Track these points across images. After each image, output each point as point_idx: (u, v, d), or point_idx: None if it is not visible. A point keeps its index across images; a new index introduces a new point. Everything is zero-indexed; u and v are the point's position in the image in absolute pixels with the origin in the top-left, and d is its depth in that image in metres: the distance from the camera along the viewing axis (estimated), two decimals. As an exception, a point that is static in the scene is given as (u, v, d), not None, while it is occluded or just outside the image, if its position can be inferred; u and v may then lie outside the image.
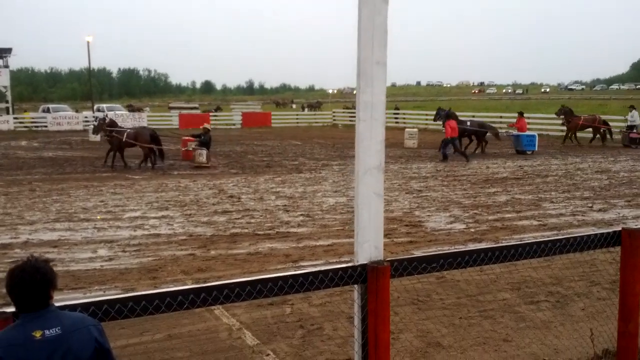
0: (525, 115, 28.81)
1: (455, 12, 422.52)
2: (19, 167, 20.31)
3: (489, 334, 6.07)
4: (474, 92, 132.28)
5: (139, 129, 21.46)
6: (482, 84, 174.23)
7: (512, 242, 5.64)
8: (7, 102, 45.64)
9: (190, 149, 21.02)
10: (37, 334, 2.61)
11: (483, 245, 8.74)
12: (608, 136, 28.09)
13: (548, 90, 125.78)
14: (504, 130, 27.54)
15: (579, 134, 28.54)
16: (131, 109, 55.77)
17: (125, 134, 20.54)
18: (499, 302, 6.98)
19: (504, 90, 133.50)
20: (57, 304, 2.87)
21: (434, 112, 31.81)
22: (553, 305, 6.90)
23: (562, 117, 29.44)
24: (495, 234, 10.48)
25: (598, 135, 28.17)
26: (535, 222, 11.39)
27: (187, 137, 23.20)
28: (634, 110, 28.49)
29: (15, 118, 43.27)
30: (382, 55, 3.55)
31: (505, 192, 14.93)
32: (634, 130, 27.40)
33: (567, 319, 6.44)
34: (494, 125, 28.95)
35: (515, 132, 25.67)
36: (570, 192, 14.91)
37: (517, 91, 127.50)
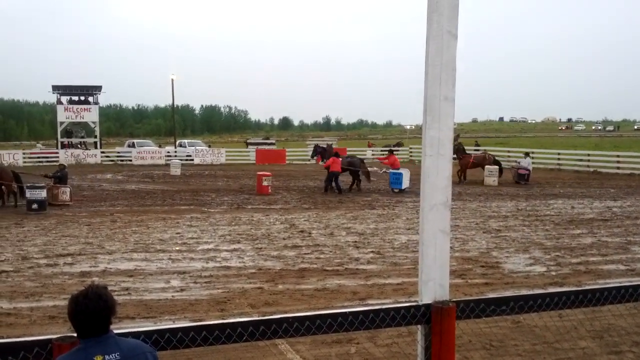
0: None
1: (541, 46, 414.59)
2: (103, 199, 21.18)
3: (567, 385, 5.70)
4: (561, 129, 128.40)
5: (2, 167, 20.60)
6: (569, 120, 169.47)
7: (595, 286, 5.31)
8: (95, 136, 47.96)
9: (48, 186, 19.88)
10: (98, 359, 2.67)
11: (561, 289, 8.31)
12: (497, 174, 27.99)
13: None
14: (384, 170, 26.33)
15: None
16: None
17: None
18: (578, 350, 6.56)
19: (593, 127, 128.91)
20: (125, 331, 2.95)
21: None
22: (638, 357, 6.41)
23: (455, 154, 29.05)
24: (578, 278, 9.97)
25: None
26: (622, 267, 10.78)
27: (261, 173, 23.57)
28: (528, 158, 29.00)
29: (102, 152, 45.39)
30: (450, 91, 3.50)
31: (591, 234, 14.23)
32: (522, 167, 27.87)
33: (654, 373, 5.97)
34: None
35: (390, 170, 24.56)
36: (663, 235, 14.05)
37: (607, 128, 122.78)
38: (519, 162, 28.62)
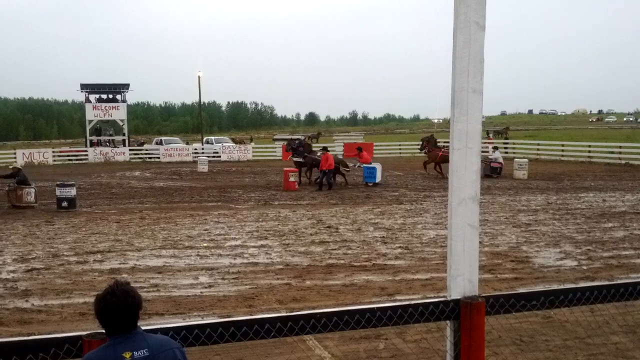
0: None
1: (571, 37, 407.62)
2: (132, 196, 21.43)
3: (599, 381, 5.59)
4: (592, 121, 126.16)
5: None
6: (600, 112, 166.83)
7: (627, 280, 5.20)
8: (124, 134, 48.47)
9: (5, 189, 19.08)
10: (127, 355, 2.69)
11: (592, 283, 8.17)
12: None
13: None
14: (357, 164, 26.55)
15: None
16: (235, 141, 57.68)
17: None
18: (610, 345, 6.44)
19: (624, 119, 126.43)
20: (154, 327, 2.97)
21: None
22: (673, 352, 6.28)
23: (425, 146, 29.29)
24: (610, 272, 9.81)
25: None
26: (655, 261, 10.57)
27: (287, 169, 23.65)
28: (497, 151, 29.41)
29: (130, 150, 45.88)
30: (478, 83, 3.46)
31: (623, 227, 13.97)
32: (495, 160, 27.87)
33: (689, 368, 5.83)
34: None
35: (364, 165, 25.14)
36: (698, 228, 13.72)
37: (639, 119, 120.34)
38: (494, 157, 28.40)
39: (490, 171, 27.14)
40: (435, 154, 27.89)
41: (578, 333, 6.67)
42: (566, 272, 9.84)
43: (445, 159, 27.57)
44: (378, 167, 24.69)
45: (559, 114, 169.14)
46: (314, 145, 43.85)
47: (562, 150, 39.25)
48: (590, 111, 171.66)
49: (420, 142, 30.72)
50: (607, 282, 7.65)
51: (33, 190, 18.95)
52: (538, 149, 41.15)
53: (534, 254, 11.20)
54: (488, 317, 3.44)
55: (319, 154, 25.40)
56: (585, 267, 10.17)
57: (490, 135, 61.62)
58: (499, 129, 72.62)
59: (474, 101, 3.45)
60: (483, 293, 3.56)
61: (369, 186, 23.63)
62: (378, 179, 24.26)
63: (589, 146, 38.78)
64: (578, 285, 4.83)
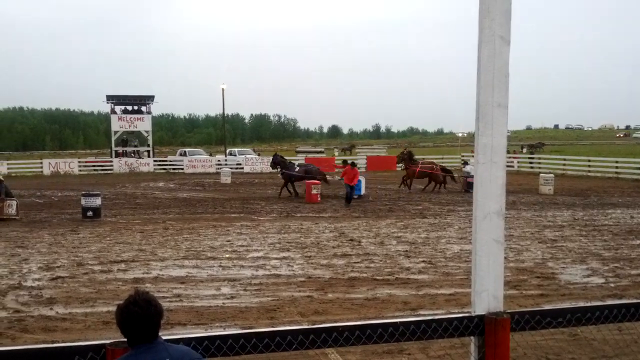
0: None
1: (597, 51, 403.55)
2: (156, 207, 21.59)
3: (627, 401, 5.47)
4: (619, 136, 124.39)
5: None
6: (628, 127, 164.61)
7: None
8: (148, 145, 48.90)
9: None
10: None
11: (620, 301, 8.01)
12: (452, 181, 28.42)
13: None
14: (338, 177, 26.75)
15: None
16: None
17: None
18: (638, 365, 6.31)
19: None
20: (177, 337, 2.99)
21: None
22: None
23: (402, 162, 29.28)
24: (638, 290, 9.65)
25: (435, 182, 27.86)
26: (685, 279, 10.35)
27: (309, 181, 23.64)
28: (468, 165, 28.73)
29: (155, 161, 46.29)
30: (503, 97, 3.45)
31: (651, 244, 13.73)
32: (469, 175, 27.06)
33: None
34: None
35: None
36: None
37: None
38: (468, 172, 27.76)
39: (467, 187, 26.56)
40: (413, 170, 27.93)
41: (606, 352, 6.54)
42: (593, 290, 9.69)
43: (422, 175, 27.73)
44: (362, 179, 24.74)
45: (586, 129, 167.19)
46: (347, 157, 44.00)
47: (589, 166, 38.74)
48: (618, 126, 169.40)
49: (401, 154, 30.82)
50: (635, 300, 7.49)
51: (14, 202, 18.54)
52: (564, 164, 40.70)
53: (560, 271, 11.05)
54: (513, 334, 3.39)
55: (297, 169, 25.93)
56: (612, 285, 10.01)
57: (524, 150, 60.94)
58: (534, 143, 71.69)
59: (499, 115, 3.44)
60: (508, 309, 3.51)
61: (354, 199, 23.45)
62: (362, 191, 24.37)
63: (617, 162, 38.20)
64: (605, 303, 4.75)
